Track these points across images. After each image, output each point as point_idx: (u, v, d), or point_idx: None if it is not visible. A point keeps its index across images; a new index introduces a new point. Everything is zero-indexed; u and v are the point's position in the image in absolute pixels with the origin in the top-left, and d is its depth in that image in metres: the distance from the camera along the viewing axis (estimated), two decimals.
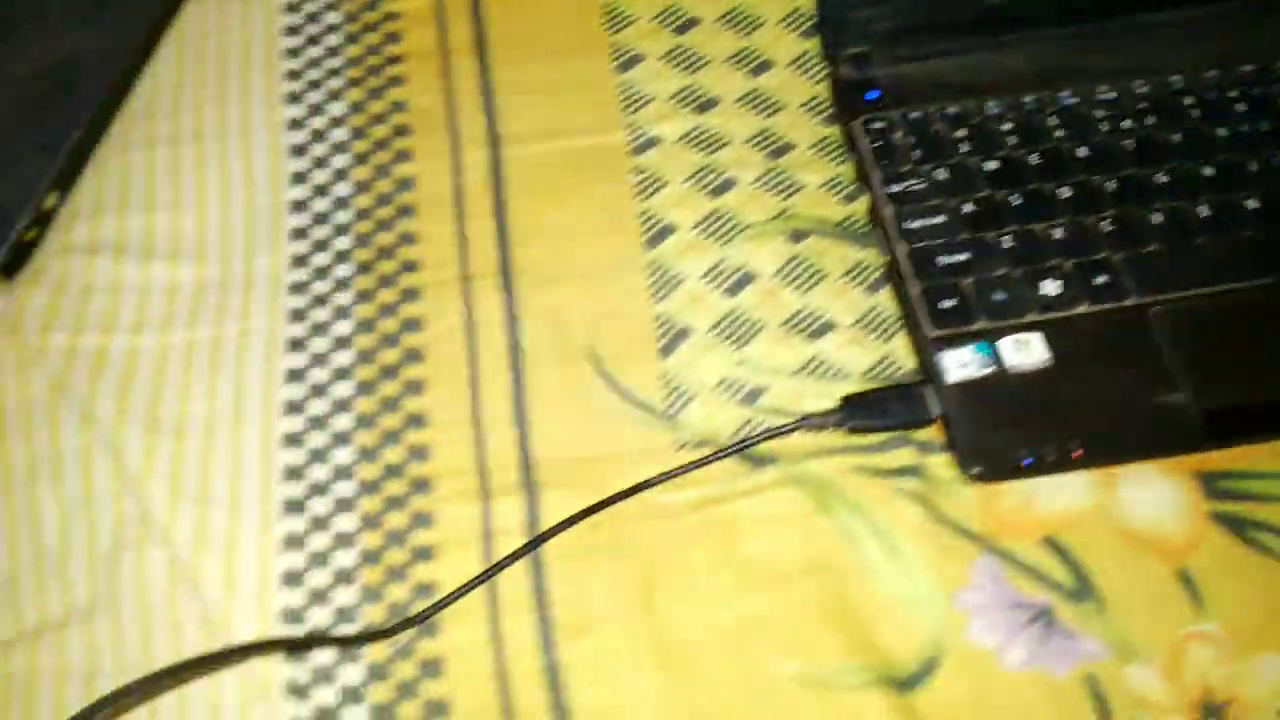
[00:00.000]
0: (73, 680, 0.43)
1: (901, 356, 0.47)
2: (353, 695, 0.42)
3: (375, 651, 0.43)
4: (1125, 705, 0.41)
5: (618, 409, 0.47)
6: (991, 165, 0.50)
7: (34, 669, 0.44)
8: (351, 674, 0.42)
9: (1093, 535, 0.44)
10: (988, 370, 0.45)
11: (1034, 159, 0.50)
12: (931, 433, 0.46)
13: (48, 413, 0.48)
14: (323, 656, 0.42)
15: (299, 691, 0.41)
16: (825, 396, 0.46)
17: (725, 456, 0.45)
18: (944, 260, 0.48)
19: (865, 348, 0.48)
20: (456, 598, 0.43)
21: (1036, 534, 0.44)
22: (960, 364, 0.45)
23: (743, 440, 0.46)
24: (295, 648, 0.42)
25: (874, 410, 0.46)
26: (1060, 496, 0.44)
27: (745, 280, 0.49)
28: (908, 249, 0.48)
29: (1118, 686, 0.41)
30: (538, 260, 0.50)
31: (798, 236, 0.50)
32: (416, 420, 0.47)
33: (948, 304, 0.47)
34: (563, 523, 0.44)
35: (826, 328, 0.48)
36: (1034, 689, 0.41)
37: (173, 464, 0.46)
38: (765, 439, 0.46)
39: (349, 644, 0.42)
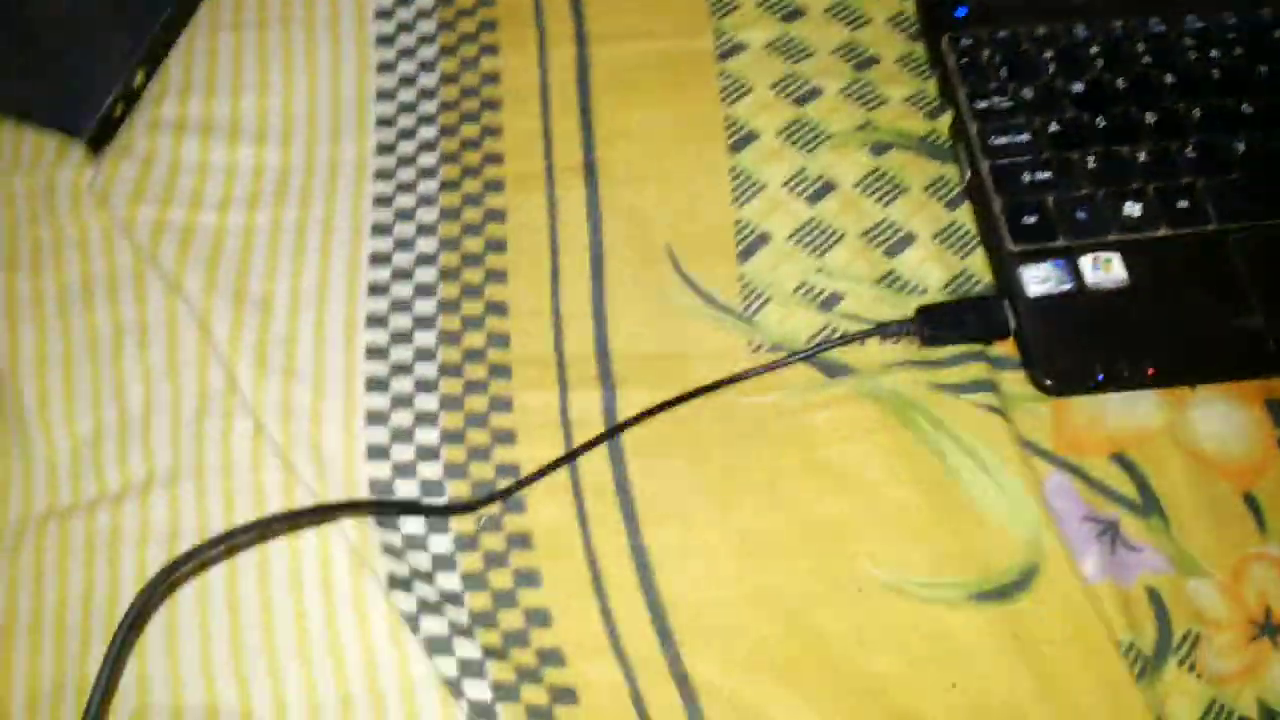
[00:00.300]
0: (155, 542, 0.44)
1: (978, 273, 0.48)
2: (444, 562, 0.43)
3: (463, 524, 0.44)
4: (1185, 617, 0.42)
5: (695, 309, 0.48)
6: (1078, 87, 0.50)
7: (117, 529, 0.45)
8: (441, 543, 0.43)
9: (1161, 454, 0.44)
10: (1066, 287, 0.46)
11: (1120, 83, 0.50)
12: (1005, 349, 0.46)
13: (134, 283, 0.49)
14: (412, 525, 0.43)
15: (393, 552, 0.42)
16: (901, 309, 0.47)
17: (804, 358, 0.46)
18: (1027, 178, 0.48)
19: (943, 263, 0.48)
20: (542, 475, 0.44)
21: (1106, 450, 0.45)
22: (1039, 279, 0.46)
23: (820, 343, 0.46)
24: (384, 510, 0.43)
25: (950, 322, 0.46)
26: (1131, 414, 0.45)
27: (826, 189, 0.50)
28: (991, 165, 0.48)
29: (1179, 599, 0.42)
30: (621, 160, 0.51)
31: (879, 149, 0.50)
32: (497, 308, 0.48)
33: (1029, 220, 0.47)
34: (642, 414, 0.45)
35: (905, 241, 0.49)
36: (1101, 599, 0.42)
37: (259, 337, 0.47)
38: (842, 344, 0.46)
39: (437, 512, 0.43)
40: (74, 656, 0.42)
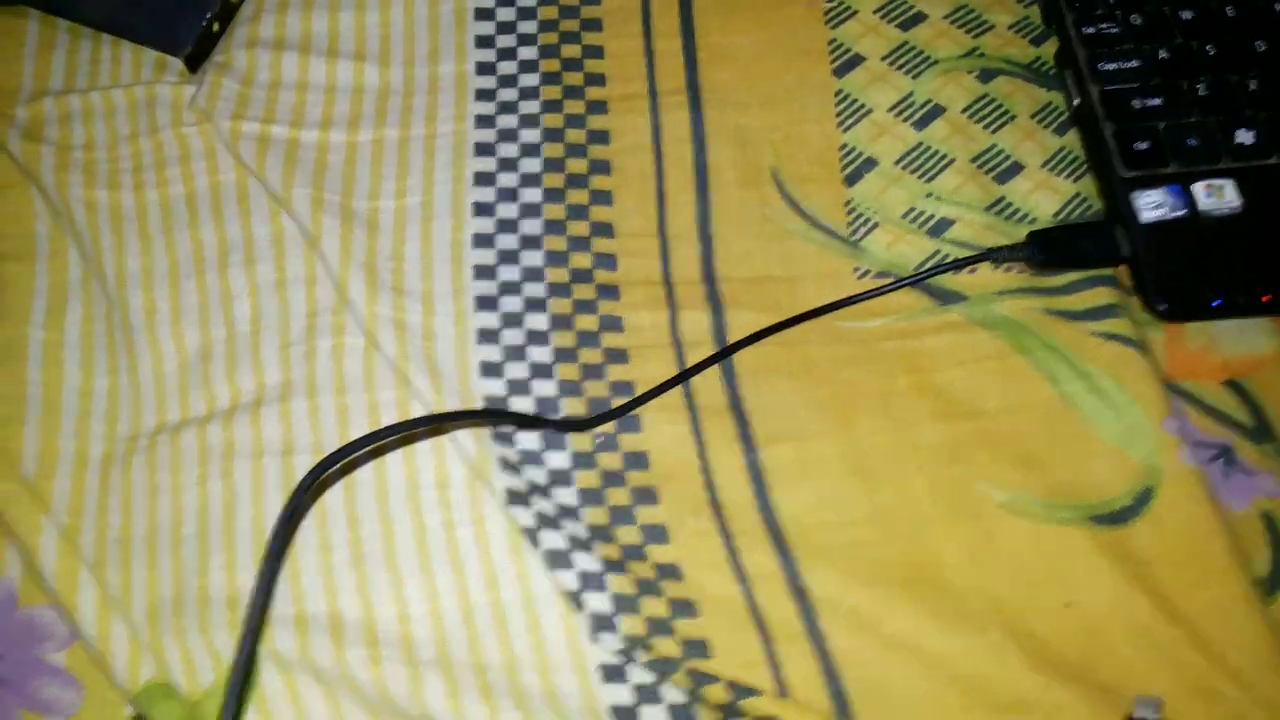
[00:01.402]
0: (270, 455, 0.45)
1: (1089, 199, 0.47)
2: (561, 478, 0.43)
3: (579, 442, 0.44)
4: None
5: (801, 232, 0.48)
6: (1187, 14, 0.50)
7: (230, 444, 0.45)
8: (558, 460, 0.43)
9: (1275, 380, 0.44)
10: (1180, 213, 0.46)
11: (1230, 11, 0.49)
12: (1117, 275, 0.46)
13: (239, 200, 0.49)
14: (528, 442, 0.44)
15: (510, 468, 0.43)
16: (1011, 236, 0.47)
17: (915, 283, 0.46)
18: (1137, 104, 0.48)
19: (1052, 189, 0.48)
20: (657, 393, 0.44)
21: (1220, 376, 0.45)
22: (1153, 205, 0.46)
23: (932, 268, 0.46)
24: (499, 420, 0.43)
25: (1063, 247, 0.46)
26: (1244, 341, 0.45)
27: (933, 114, 0.49)
28: (1101, 90, 0.48)
29: None
30: (725, 81, 0.50)
31: (986, 75, 0.50)
32: (604, 229, 0.48)
33: (1142, 146, 0.47)
34: (755, 335, 0.45)
35: (1015, 169, 0.48)
36: (1216, 522, 0.42)
37: (367, 255, 0.47)
38: (954, 268, 0.46)
39: (555, 425, 0.43)
40: (193, 569, 0.43)
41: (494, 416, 0.43)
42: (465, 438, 0.43)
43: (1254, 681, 0.39)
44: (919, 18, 0.51)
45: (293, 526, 0.42)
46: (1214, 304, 0.44)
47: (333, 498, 0.44)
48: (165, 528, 0.44)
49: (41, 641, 0.43)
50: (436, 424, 0.42)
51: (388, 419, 0.45)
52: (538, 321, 0.46)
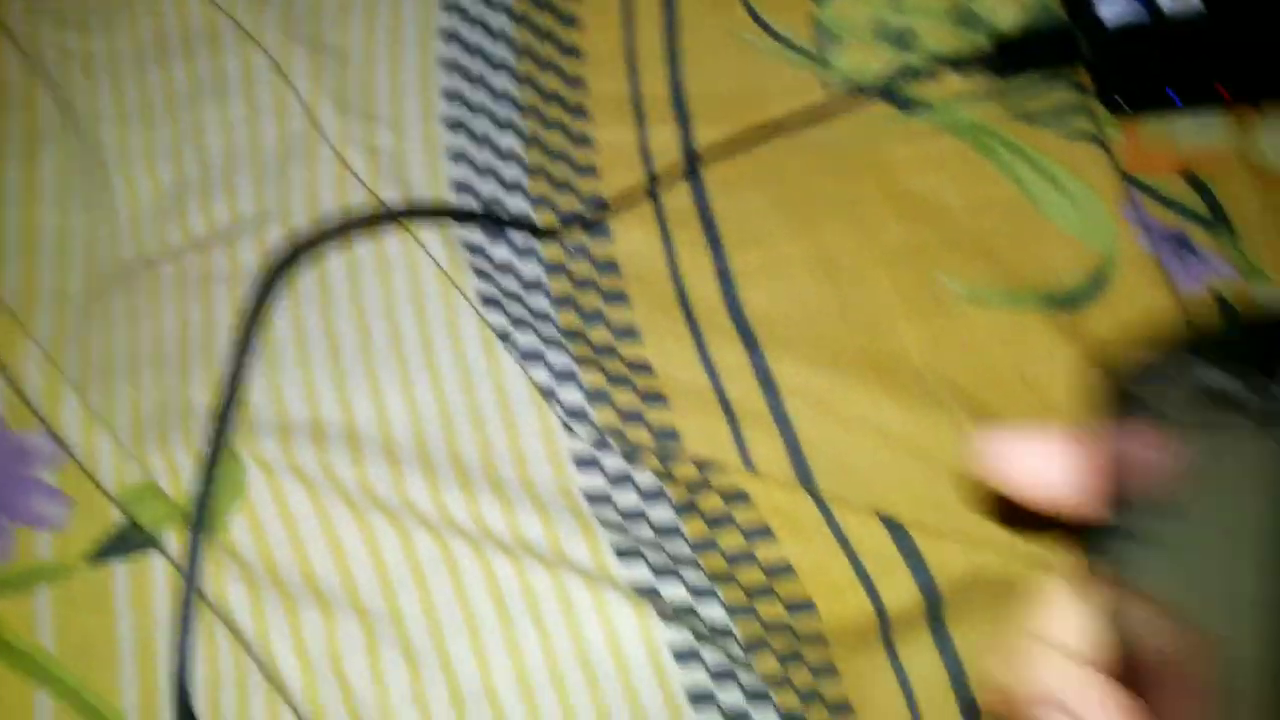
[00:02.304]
0: (246, 280, 0.45)
1: (1051, 6, 0.48)
2: (535, 285, 0.44)
3: (551, 252, 0.45)
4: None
5: (769, 49, 0.48)
6: None
7: (207, 272, 0.45)
8: (530, 269, 0.44)
9: (1230, 173, 0.45)
10: (1140, 14, 0.46)
11: None
12: (1079, 77, 0.47)
13: (209, 39, 0.49)
14: (501, 252, 0.44)
15: (483, 275, 0.43)
16: (975, 45, 0.47)
17: (880, 93, 0.46)
18: None
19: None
20: (626, 203, 0.45)
21: (1175, 169, 0.45)
22: (1114, 7, 0.46)
23: (897, 74, 0.47)
24: (473, 219, 0.44)
25: (1024, 52, 0.47)
26: (1201, 136, 0.46)
27: None
28: None
29: (1245, 304, 0.43)
30: None
31: None
32: (571, 51, 0.48)
33: None
34: (722, 146, 0.46)
35: None
36: (1170, 301, 0.43)
37: (338, 83, 0.47)
38: (916, 76, 0.47)
39: (525, 227, 0.44)
40: (174, 388, 0.44)
41: (468, 216, 0.44)
42: (438, 249, 0.44)
43: None
44: None
45: (267, 304, 0.43)
46: (1170, 95, 0.45)
47: (309, 314, 0.44)
48: (146, 351, 0.45)
49: (30, 463, 0.44)
50: (409, 218, 0.43)
51: None
52: (508, 141, 0.47)
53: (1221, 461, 0.20)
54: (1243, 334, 0.21)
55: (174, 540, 0.39)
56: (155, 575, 0.40)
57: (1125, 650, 0.23)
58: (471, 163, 0.46)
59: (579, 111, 0.47)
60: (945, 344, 0.43)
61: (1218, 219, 0.45)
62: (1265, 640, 0.19)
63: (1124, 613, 0.23)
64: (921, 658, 0.39)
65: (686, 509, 0.41)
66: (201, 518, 0.37)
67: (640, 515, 0.40)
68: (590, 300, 0.44)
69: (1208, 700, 0.19)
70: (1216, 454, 0.20)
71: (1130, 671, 0.22)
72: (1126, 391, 0.22)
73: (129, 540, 0.41)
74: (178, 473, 0.42)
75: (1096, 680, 0.22)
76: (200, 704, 0.38)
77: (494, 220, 0.44)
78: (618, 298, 0.44)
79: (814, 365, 0.42)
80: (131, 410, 0.43)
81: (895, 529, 0.40)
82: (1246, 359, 0.19)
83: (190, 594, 0.38)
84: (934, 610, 0.39)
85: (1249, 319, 0.21)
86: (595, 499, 0.41)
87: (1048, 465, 0.23)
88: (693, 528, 0.40)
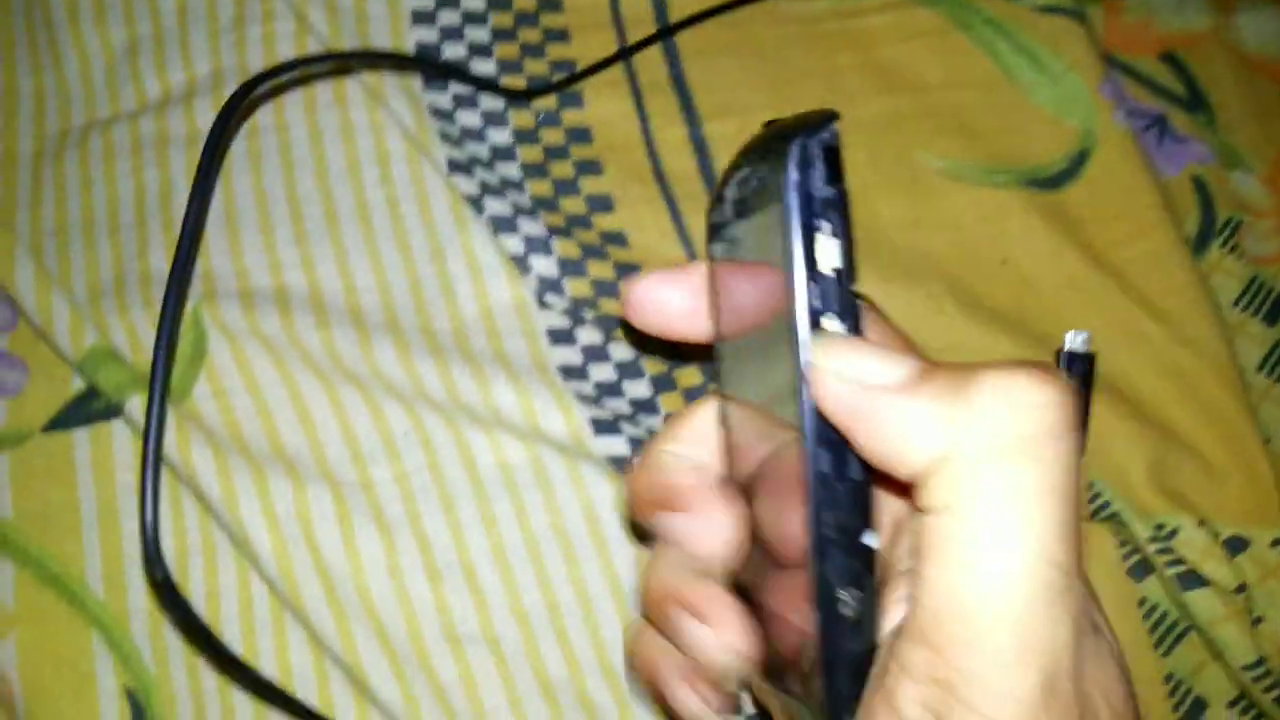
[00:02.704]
0: (203, 143, 0.44)
1: None
2: (504, 153, 0.43)
3: (520, 118, 0.43)
4: (1228, 205, 0.43)
5: None
6: None
7: (163, 135, 0.44)
8: (499, 136, 0.43)
9: (1208, 54, 0.45)
10: None
11: None
12: None
13: None
14: (469, 119, 0.43)
15: (451, 141, 0.42)
16: None
17: None
18: None
19: None
20: (596, 69, 0.43)
21: (1156, 50, 0.45)
22: None
23: None
24: (440, 73, 0.42)
25: None
26: (1180, 16, 0.45)
27: None
28: None
29: (1222, 188, 0.44)
30: None
31: None
32: None
33: None
34: (697, 15, 0.44)
35: None
36: (1149, 180, 0.43)
37: None
38: None
39: (492, 87, 0.42)
40: (132, 254, 0.42)
41: (435, 67, 0.42)
42: (404, 111, 0.43)
43: (1180, 322, 0.40)
44: None
45: (224, 144, 0.41)
46: None
47: (271, 177, 0.43)
48: (101, 217, 0.43)
49: None
50: (372, 62, 0.41)
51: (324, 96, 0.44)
52: (474, 2, 0.45)
53: (746, 251, 0.25)
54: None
55: (137, 407, 0.38)
56: (117, 443, 0.39)
57: (734, 450, 0.27)
58: (436, 25, 0.45)
59: None
60: (923, 220, 0.42)
61: (1196, 100, 0.45)
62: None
63: (729, 417, 0.27)
64: None
65: (663, 382, 0.40)
66: (163, 378, 0.35)
67: (616, 389, 0.40)
68: (563, 169, 0.43)
69: (792, 478, 0.23)
70: (744, 245, 0.25)
71: (742, 467, 0.27)
72: (710, 223, 0.27)
73: (89, 407, 0.40)
74: (139, 339, 0.40)
75: (711, 586, 0.26)
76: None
77: (458, 75, 0.42)
78: (591, 167, 0.43)
79: None
80: (88, 276, 0.42)
81: None
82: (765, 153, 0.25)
83: (152, 455, 0.37)
84: None
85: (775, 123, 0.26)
86: (571, 373, 0.40)
87: (680, 303, 0.28)
88: (669, 402, 0.40)
